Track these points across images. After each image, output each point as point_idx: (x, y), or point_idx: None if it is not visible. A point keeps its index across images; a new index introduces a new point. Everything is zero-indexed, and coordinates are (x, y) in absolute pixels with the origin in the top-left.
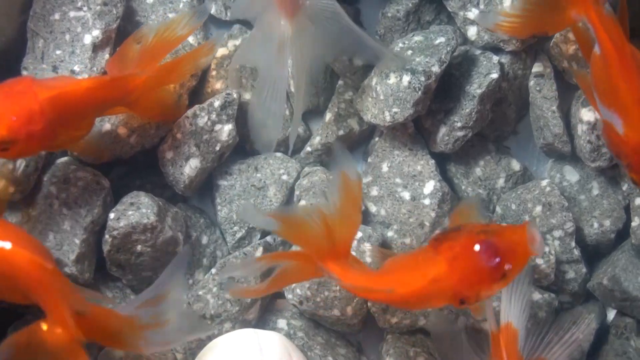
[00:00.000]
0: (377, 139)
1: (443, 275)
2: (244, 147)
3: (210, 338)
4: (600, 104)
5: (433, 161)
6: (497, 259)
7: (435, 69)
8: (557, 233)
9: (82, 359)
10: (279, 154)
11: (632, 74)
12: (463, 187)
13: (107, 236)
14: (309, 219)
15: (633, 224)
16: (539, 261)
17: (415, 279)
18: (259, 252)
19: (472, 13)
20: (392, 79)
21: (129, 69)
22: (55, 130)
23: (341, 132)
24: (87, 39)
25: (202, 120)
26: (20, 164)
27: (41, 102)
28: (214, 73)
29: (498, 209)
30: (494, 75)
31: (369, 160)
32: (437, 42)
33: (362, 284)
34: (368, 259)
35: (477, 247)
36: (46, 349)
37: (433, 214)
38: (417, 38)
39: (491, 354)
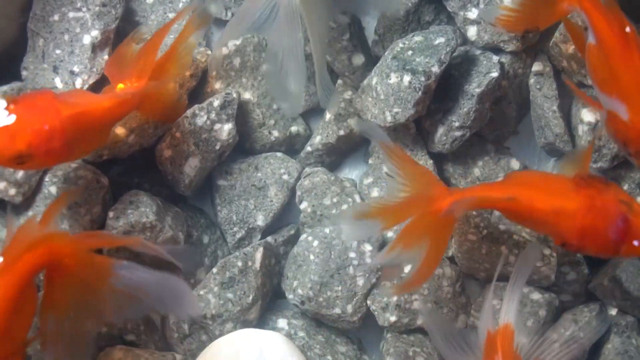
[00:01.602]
0: None
1: (569, 215)
2: (244, 146)
3: (211, 339)
4: (602, 93)
5: (431, 161)
6: (622, 238)
7: (435, 69)
8: None
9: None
10: (279, 154)
11: (633, 58)
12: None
13: None
14: (392, 198)
15: None
16: (540, 263)
17: (540, 199)
18: (259, 253)
19: (472, 13)
20: (393, 79)
21: (127, 70)
22: (73, 146)
23: (341, 132)
24: (86, 40)
25: (201, 120)
26: None
27: (63, 119)
28: (214, 73)
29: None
30: (494, 74)
31: (370, 161)
32: (437, 42)
33: (484, 193)
34: (368, 260)
35: (615, 218)
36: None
37: None
38: (417, 38)
39: (485, 353)
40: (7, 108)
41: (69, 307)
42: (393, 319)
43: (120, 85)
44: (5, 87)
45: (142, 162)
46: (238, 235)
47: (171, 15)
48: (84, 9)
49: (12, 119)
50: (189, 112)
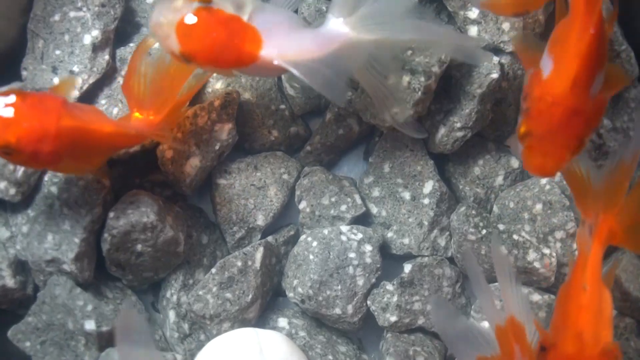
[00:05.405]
0: (377, 139)
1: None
2: (243, 146)
3: (208, 339)
4: (547, 54)
5: (432, 161)
6: None
7: (435, 69)
8: (559, 234)
9: None
10: (279, 153)
11: (589, 34)
12: (460, 187)
13: (106, 235)
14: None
15: None
16: (538, 264)
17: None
18: (259, 253)
19: (473, 12)
20: (392, 79)
21: (146, 100)
22: (62, 157)
23: (341, 132)
24: (87, 39)
25: (202, 120)
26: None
27: (60, 127)
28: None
29: (495, 209)
30: (494, 75)
31: (370, 160)
32: None
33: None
34: (368, 260)
35: None
36: None
37: (432, 213)
38: None
39: (500, 346)
40: (11, 101)
41: None
42: (393, 319)
43: (136, 115)
44: (5, 88)
45: (143, 162)
46: (238, 235)
47: None
48: (85, 9)
49: (11, 111)
50: (189, 112)
